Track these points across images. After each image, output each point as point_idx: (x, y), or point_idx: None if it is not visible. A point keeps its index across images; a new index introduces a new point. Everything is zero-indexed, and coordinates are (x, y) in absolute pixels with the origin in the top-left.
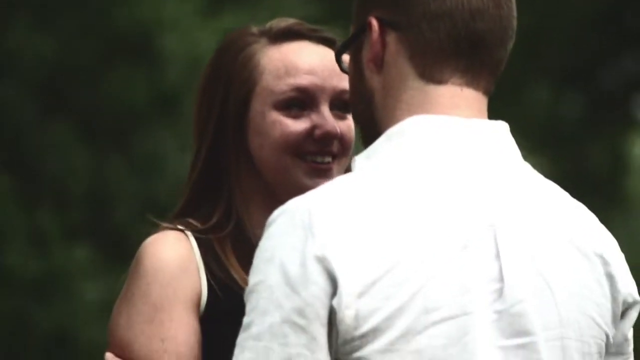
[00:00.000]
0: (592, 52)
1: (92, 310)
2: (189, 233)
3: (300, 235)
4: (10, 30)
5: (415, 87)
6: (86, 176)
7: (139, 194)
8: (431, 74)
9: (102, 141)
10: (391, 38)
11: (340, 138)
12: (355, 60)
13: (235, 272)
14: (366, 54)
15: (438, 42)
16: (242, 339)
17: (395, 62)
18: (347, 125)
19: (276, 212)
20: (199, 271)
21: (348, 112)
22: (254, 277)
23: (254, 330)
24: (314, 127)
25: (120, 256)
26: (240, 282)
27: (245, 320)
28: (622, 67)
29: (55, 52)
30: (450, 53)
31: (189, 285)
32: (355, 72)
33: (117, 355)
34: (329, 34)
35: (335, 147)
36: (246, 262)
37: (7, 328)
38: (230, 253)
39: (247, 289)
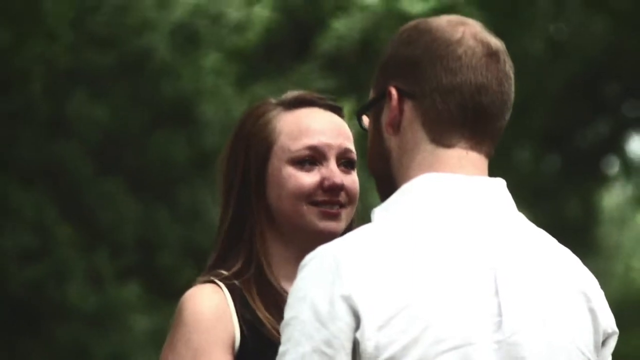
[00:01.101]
0: (568, 118)
1: (141, 340)
2: (221, 284)
3: (328, 278)
4: (71, 99)
5: (427, 149)
6: (136, 225)
7: (182, 240)
8: (441, 140)
9: (150, 195)
10: (408, 106)
11: (346, 189)
12: (375, 122)
13: (261, 313)
14: (385, 118)
15: (448, 112)
16: None
17: (411, 127)
18: (352, 180)
19: (308, 257)
20: (232, 317)
21: (353, 168)
22: (288, 313)
23: (288, 358)
24: (323, 180)
25: (165, 293)
26: (266, 322)
27: (281, 349)
28: (595, 131)
29: (109, 117)
30: (459, 122)
31: (225, 330)
32: (374, 133)
33: None
34: (334, 101)
35: (342, 197)
36: (269, 304)
37: (69, 357)
38: (255, 295)
39: (283, 323)
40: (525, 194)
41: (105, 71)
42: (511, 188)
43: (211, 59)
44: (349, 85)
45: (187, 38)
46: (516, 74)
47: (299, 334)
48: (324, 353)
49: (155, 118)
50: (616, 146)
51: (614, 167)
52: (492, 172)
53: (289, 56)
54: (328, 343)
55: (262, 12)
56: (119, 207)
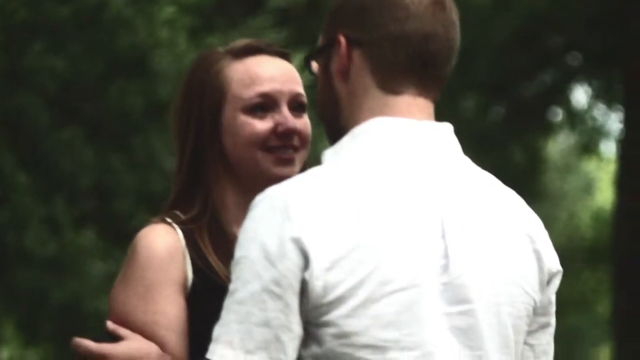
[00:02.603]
0: (513, 68)
1: (97, 284)
2: (175, 225)
3: (278, 218)
4: (29, 51)
5: (376, 96)
6: (93, 172)
7: (137, 187)
8: (390, 86)
9: (106, 143)
10: (356, 54)
11: (299, 133)
12: (324, 69)
13: (212, 259)
14: (334, 65)
15: (397, 60)
16: (228, 302)
17: (360, 75)
18: (304, 123)
19: (258, 198)
20: (185, 258)
21: (304, 111)
22: (238, 252)
23: (237, 296)
24: (276, 125)
25: (120, 240)
26: (216, 268)
27: (231, 287)
28: (539, 81)
29: (66, 69)
30: (407, 69)
31: (177, 269)
32: (324, 79)
33: (116, 324)
34: (282, 48)
35: (295, 141)
36: (221, 251)
37: (27, 300)
38: (207, 242)
39: (233, 262)
40: (470, 142)
41: (62, 23)
42: (457, 136)
43: (166, 12)
44: (300, 37)
45: None
46: (461, 24)
47: (248, 273)
48: (272, 292)
49: (111, 69)
50: (560, 96)
51: (558, 116)
52: (438, 120)
53: (241, 9)
54: (276, 282)
55: None
56: (76, 155)
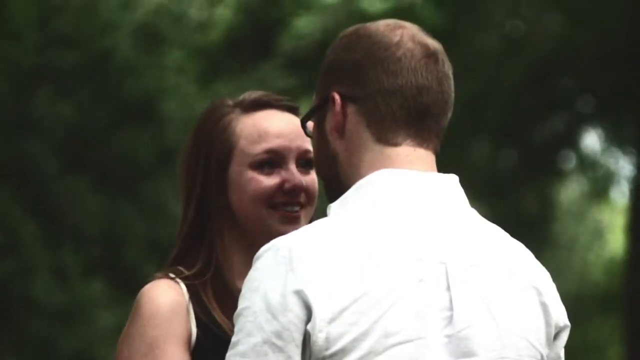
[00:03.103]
0: (524, 113)
1: (106, 335)
2: (179, 280)
3: (282, 270)
4: (36, 97)
5: (375, 149)
6: (101, 220)
7: (145, 235)
8: (387, 139)
9: (114, 191)
10: (351, 110)
11: (306, 190)
12: (319, 127)
13: (217, 314)
14: (329, 123)
15: (392, 113)
16: (230, 355)
17: (356, 130)
18: (311, 179)
19: (263, 248)
20: (189, 313)
21: (312, 168)
22: (242, 303)
23: (240, 348)
24: (283, 182)
25: (129, 289)
26: (221, 323)
27: (233, 339)
28: (550, 126)
29: (73, 115)
30: (402, 122)
31: (180, 325)
32: (319, 138)
33: None
34: (291, 102)
35: (302, 198)
36: (225, 306)
37: (35, 350)
38: (211, 297)
39: (236, 313)
40: (481, 188)
41: (69, 70)
42: (467, 183)
43: (174, 58)
44: (310, 83)
45: (150, 37)
46: (472, 69)
47: (250, 325)
48: (274, 344)
49: (119, 115)
50: (571, 141)
51: (569, 162)
52: (448, 167)
53: (250, 55)
54: (278, 335)
55: (224, 12)
56: (84, 203)
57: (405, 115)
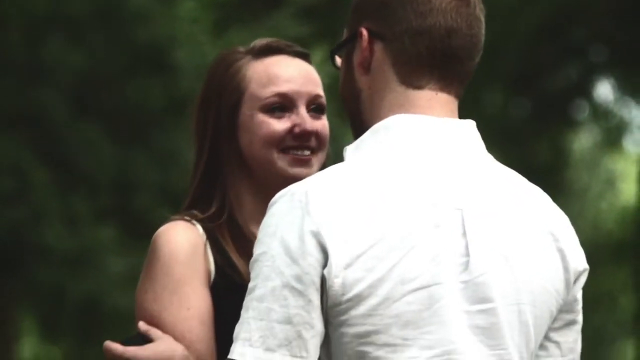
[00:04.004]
0: (537, 62)
1: (117, 280)
2: (195, 222)
3: (298, 213)
4: (48, 45)
5: (397, 90)
6: (112, 168)
7: (157, 183)
8: (411, 81)
9: (126, 138)
10: (378, 47)
11: (316, 134)
12: (347, 61)
13: (234, 256)
14: (356, 58)
15: (418, 54)
16: (247, 300)
17: (381, 68)
18: (322, 124)
19: (278, 194)
20: (207, 253)
21: (323, 113)
22: (258, 249)
23: (257, 292)
24: (294, 126)
25: (140, 235)
26: (238, 265)
27: (250, 285)
28: (564, 75)
29: (85, 63)
30: (428, 64)
31: (202, 263)
32: (346, 72)
33: (147, 322)
34: (302, 48)
35: (312, 142)
36: (239, 246)
37: (46, 295)
38: (228, 238)
39: (252, 259)
40: (494, 137)
41: (81, 17)
42: (480, 131)
43: (186, 6)
44: (323, 32)
45: None
46: (486, 19)
47: (268, 269)
48: (294, 288)
49: (131, 64)
50: (584, 91)
51: (582, 111)
52: (462, 114)
53: (263, 4)
54: (298, 278)
55: None
56: (96, 150)
57: (431, 57)
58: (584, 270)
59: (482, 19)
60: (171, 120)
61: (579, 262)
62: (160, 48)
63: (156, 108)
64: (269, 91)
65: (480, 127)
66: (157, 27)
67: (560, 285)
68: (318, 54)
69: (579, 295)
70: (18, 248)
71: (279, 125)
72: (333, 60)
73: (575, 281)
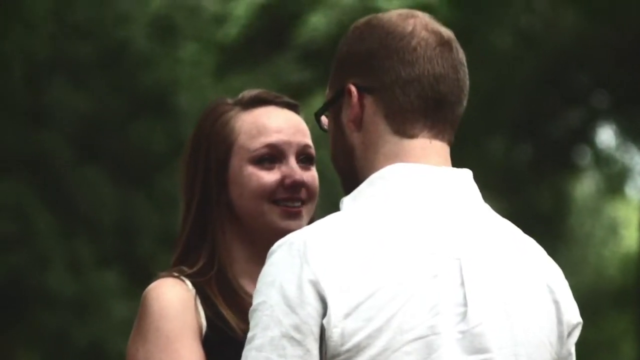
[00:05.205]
0: (539, 108)
1: (120, 325)
2: (184, 278)
3: (297, 262)
4: (51, 88)
5: (391, 141)
6: (115, 212)
7: (159, 227)
8: (404, 130)
9: (128, 182)
10: (368, 101)
11: (306, 186)
12: (335, 121)
13: (224, 310)
14: (346, 116)
15: (410, 103)
16: (247, 349)
17: (373, 121)
18: (311, 176)
19: (277, 243)
20: (197, 307)
21: (312, 163)
22: (257, 298)
23: (256, 342)
24: (284, 177)
25: (143, 280)
26: (228, 319)
27: (249, 334)
28: (565, 122)
29: (88, 106)
30: (420, 112)
31: (193, 318)
32: (336, 131)
33: None
34: (290, 99)
35: (303, 194)
36: (229, 299)
37: (50, 341)
38: (217, 292)
39: (251, 309)
40: (497, 184)
41: (84, 61)
42: (482, 178)
43: (189, 51)
44: (325, 77)
45: (165, 29)
46: (487, 65)
47: (267, 319)
48: (292, 338)
49: (133, 107)
50: (586, 136)
51: (584, 157)
52: (464, 162)
53: (265, 48)
54: (297, 328)
55: (239, 6)
56: (98, 194)
57: (422, 105)
58: (577, 324)
59: (465, 64)
60: (173, 164)
61: (573, 315)
62: (162, 92)
63: (159, 152)
64: (258, 142)
65: (482, 174)
66: (159, 71)
67: (554, 337)
68: (320, 99)
69: (573, 349)
70: (21, 292)
71: (269, 177)
72: (319, 122)
73: (569, 335)
